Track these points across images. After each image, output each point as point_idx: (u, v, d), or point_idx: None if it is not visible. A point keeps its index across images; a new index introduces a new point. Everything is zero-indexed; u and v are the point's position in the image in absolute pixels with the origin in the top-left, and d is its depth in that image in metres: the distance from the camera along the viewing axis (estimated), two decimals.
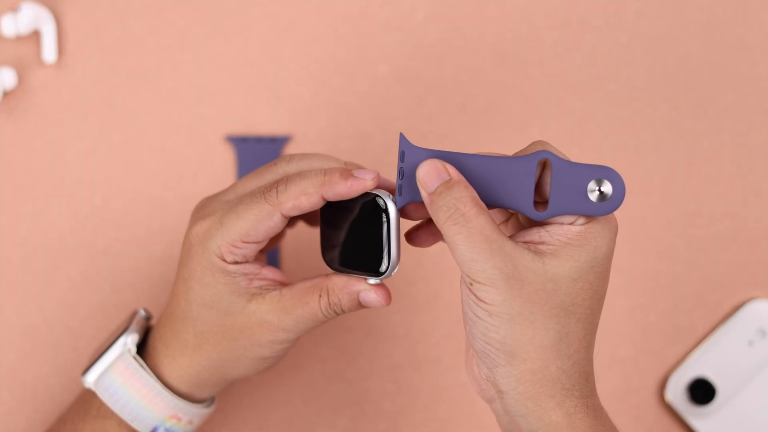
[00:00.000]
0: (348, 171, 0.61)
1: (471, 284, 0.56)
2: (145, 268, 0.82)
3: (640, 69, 0.86)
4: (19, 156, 0.83)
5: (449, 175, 0.57)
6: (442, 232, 0.57)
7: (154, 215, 0.83)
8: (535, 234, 0.58)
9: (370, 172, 0.61)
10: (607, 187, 0.56)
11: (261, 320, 0.63)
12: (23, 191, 0.82)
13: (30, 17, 0.81)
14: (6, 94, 0.83)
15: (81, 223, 0.82)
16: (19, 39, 0.83)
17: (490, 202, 0.58)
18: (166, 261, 0.82)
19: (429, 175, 0.57)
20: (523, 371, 0.56)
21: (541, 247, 0.57)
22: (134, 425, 0.67)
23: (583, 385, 0.57)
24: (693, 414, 0.82)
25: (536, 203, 0.58)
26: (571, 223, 0.57)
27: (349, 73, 0.84)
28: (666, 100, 0.86)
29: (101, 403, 0.67)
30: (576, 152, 0.85)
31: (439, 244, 0.64)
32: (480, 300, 0.56)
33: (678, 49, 0.86)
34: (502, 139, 0.85)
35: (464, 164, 0.58)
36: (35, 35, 0.83)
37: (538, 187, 0.58)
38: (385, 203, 0.60)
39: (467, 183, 0.57)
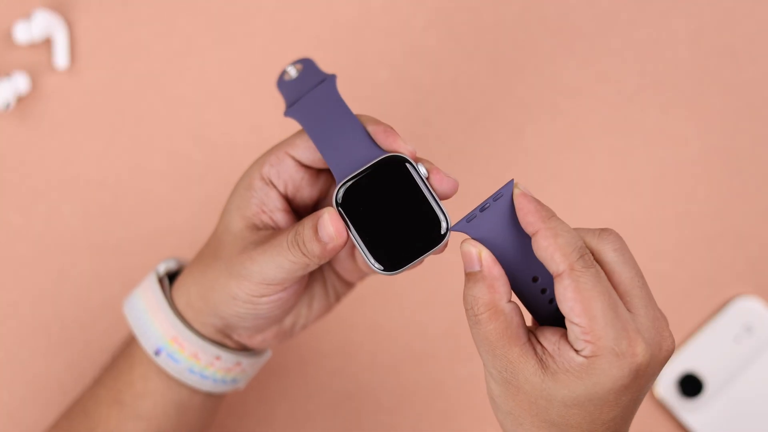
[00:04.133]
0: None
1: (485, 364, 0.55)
2: (154, 266, 0.78)
3: (630, 74, 0.86)
4: (33, 158, 0.83)
5: (480, 266, 0.54)
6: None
7: (163, 215, 0.83)
8: (554, 344, 0.54)
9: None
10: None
11: (243, 247, 0.60)
12: (37, 192, 0.82)
13: (43, 25, 0.81)
14: (20, 99, 0.83)
15: (92, 223, 0.82)
16: (32, 46, 0.83)
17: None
18: None
19: (465, 256, 0.55)
20: None
21: (549, 360, 0.53)
22: (142, 341, 0.64)
23: None
24: (682, 408, 0.82)
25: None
26: (577, 351, 0.52)
27: (351, 79, 0.84)
28: (656, 105, 0.85)
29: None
30: (568, 155, 0.85)
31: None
32: (487, 381, 0.56)
33: (668, 55, 0.86)
34: (497, 142, 0.85)
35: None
36: (48, 42, 0.83)
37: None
38: (407, 160, 0.56)
39: (495, 278, 0.54)
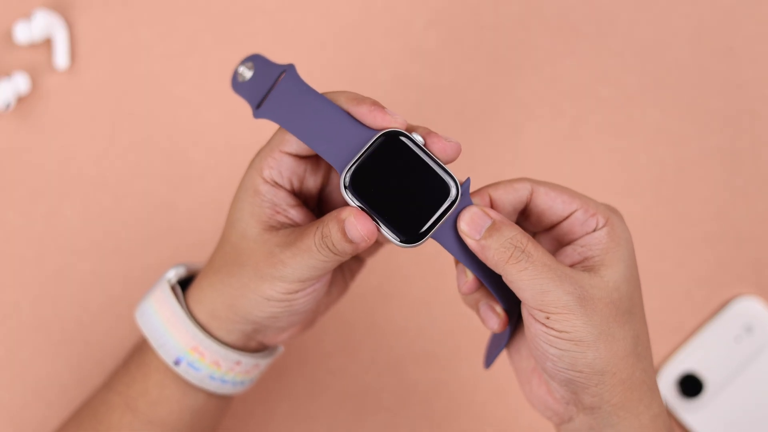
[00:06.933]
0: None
1: (548, 318, 0.55)
2: (154, 267, 0.81)
3: (630, 75, 0.86)
4: (33, 158, 0.83)
5: (491, 217, 0.57)
6: (503, 272, 0.56)
7: (163, 216, 0.83)
8: (574, 254, 0.58)
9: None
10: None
11: (268, 251, 0.59)
12: (37, 192, 0.83)
13: (43, 25, 0.82)
14: (20, 98, 0.83)
15: (92, 224, 0.82)
16: (32, 46, 0.83)
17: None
18: (174, 260, 0.81)
19: (473, 222, 0.57)
20: (614, 384, 0.56)
21: (586, 263, 0.57)
22: (160, 352, 0.64)
23: (657, 382, 0.57)
24: (682, 408, 0.82)
25: None
26: (594, 230, 0.57)
27: (351, 79, 0.85)
28: (656, 105, 0.86)
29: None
30: (568, 155, 0.85)
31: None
32: (561, 331, 0.55)
33: (667, 56, 0.86)
34: (497, 142, 0.85)
35: None
36: (48, 42, 0.84)
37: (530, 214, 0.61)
38: (401, 133, 0.55)
39: (509, 220, 0.57)
